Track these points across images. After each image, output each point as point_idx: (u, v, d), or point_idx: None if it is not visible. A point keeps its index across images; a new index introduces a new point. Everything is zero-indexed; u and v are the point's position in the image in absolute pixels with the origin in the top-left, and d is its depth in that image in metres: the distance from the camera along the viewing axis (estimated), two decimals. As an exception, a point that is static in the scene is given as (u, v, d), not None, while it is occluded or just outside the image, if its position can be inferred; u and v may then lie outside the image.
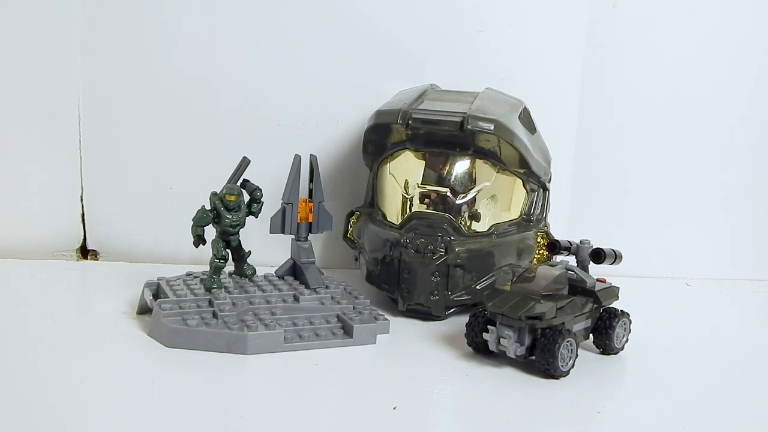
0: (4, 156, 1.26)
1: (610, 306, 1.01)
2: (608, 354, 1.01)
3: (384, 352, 0.98)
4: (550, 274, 0.95)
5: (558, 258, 1.11)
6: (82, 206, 1.30)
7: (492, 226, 1.14)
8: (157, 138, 1.29)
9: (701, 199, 1.43)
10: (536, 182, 1.19)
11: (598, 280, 1.00)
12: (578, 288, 0.98)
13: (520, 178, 1.16)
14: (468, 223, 1.12)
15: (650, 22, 1.37)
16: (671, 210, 1.43)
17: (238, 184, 1.07)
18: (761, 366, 1.02)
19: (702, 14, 1.38)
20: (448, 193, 1.12)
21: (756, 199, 1.44)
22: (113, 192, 1.30)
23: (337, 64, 1.30)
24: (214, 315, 0.97)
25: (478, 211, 1.13)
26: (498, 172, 1.14)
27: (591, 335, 1.01)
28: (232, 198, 1.03)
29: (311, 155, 1.10)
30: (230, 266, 1.08)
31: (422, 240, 1.07)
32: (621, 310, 1.01)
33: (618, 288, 1.02)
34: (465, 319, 0.99)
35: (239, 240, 1.07)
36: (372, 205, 1.21)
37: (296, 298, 1.04)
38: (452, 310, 1.10)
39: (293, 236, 1.10)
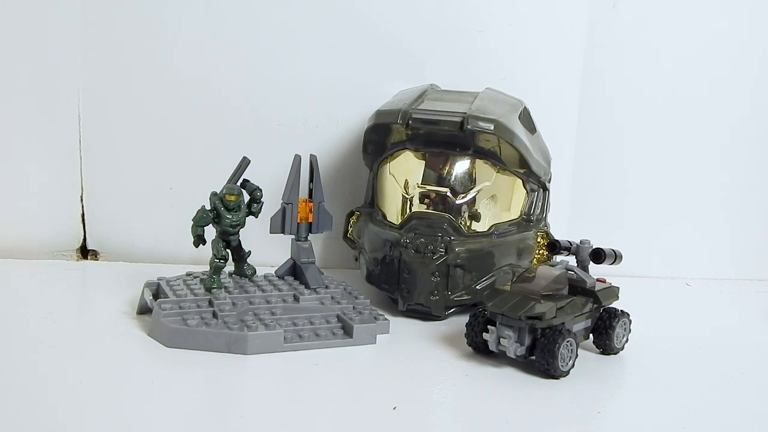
0: (4, 156, 1.26)
1: (610, 306, 1.01)
2: (608, 354, 1.01)
3: (384, 352, 0.98)
4: (550, 274, 0.95)
5: (558, 258, 1.11)
6: (82, 206, 1.30)
7: (492, 226, 1.14)
8: (157, 138, 1.29)
9: (701, 199, 1.43)
10: (536, 182, 1.19)
11: (598, 280, 1.00)
12: (578, 288, 0.98)
13: (520, 178, 1.16)
14: (468, 223, 1.12)
15: (650, 22, 1.37)
16: (671, 210, 1.43)
17: (238, 184, 1.07)
18: (761, 366, 1.02)
19: (702, 14, 1.38)
20: (448, 193, 1.12)
21: (756, 199, 1.44)
22: (113, 192, 1.30)
23: (337, 64, 1.30)
24: (214, 315, 0.97)
25: (478, 211, 1.13)
26: (498, 172, 1.14)
27: (591, 335, 1.01)
28: (232, 198, 1.03)
29: (311, 155, 1.10)
30: (230, 266, 1.08)
31: (422, 240, 1.07)
32: (621, 310, 1.01)
33: (618, 288, 1.02)
34: (465, 319, 0.99)
35: (239, 240, 1.07)
36: (372, 205, 1.21)
37: (296, 298, 1.04)
38: (452, 310, 1.10)
39: (293, 236, 1.10)
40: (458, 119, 1.11)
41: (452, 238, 1.09)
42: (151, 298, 1.03)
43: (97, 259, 1.32)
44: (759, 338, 1.13)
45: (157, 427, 0.77)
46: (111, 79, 1.27)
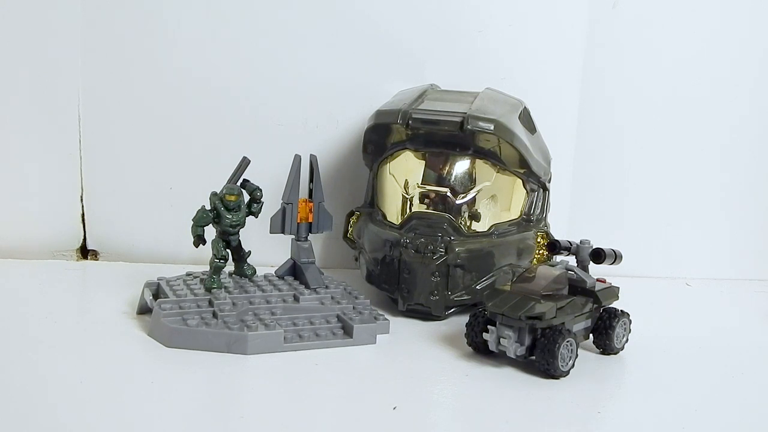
0: (4, 156, 1.26)
1: (610, 306, 1.01)
2: (608, 354, 1.01)
3: (384, 352, 0.98)
4: (550, 274, 0.95)
5: (558, 258, 1.10)
6: (82, 206, 1.30)
7: (492, 226, 1.14)
8: (157, 138, 1.29)
9: (701, 199, 1.43)
10: (536, 182, 1.19)
11: (598, 280, 1.00)
12: (578, 288, 0.98)
13: (520, 178, 1.16)
14: (468, 223, 1.12)
15: (650, 22, 1.37)
16: (671, 210, 1.43)
17: (238, 184, 1.07)
18: (761, 366, 1.02)
19: (702, 14, 1.38)
20: (448, 193, 1.12)
21: (756, 199, 1.44)
22: (113, 192, 1.30)
23: (337, 64, 1.30)
24: (214, 315, 0.97)
25: (478, 211, 1.13)
26: (498, 172, 1.14)
27: (591, 335, 1.01)
28: (232, 198, 1.03)
29: (311, 155, 1.10)
30: (230, 266, 1.08)
31: (422, 240, 1.07)
32: (621, 310, 1.01)
33: (618, 288, 1.02)
34: (465, 319, 0.99)
35: (239, 240, 1.07)
36: (372, 205, 1.21)
37: (296, 298, 1.04)
38: (452, 310, 1.10)
39: (293, 236, 1.10)
40: (458, 119, 1.11)
41: (452, 238, 1.08)
42: (151, 298, 1.03)
43: (97, 259, 1.32)
44: (759, 338, 1.13)
45: (157, 427, 0.77)
46: (111, 79, 1.27)
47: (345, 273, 1.25)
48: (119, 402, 0.81)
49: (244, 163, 1.07)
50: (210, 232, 1.05)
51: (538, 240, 1.17)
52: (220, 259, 1.04)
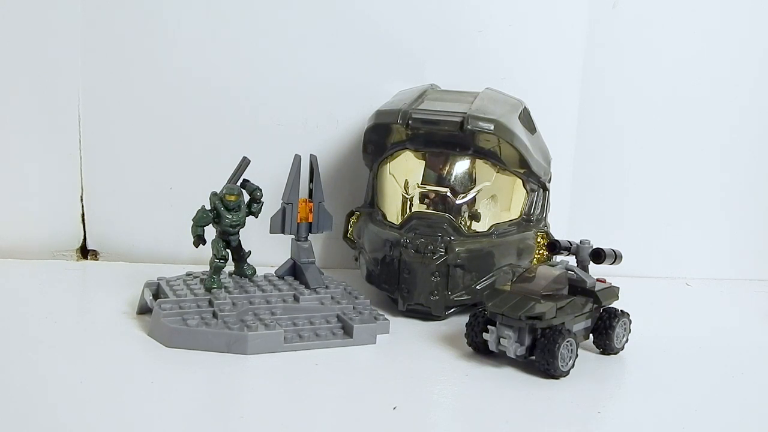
0: (4, 156, 1.26)
1: (610, 306, 1.01)
2: (608, 354, 1.01)
3: (384, 352, 0.98)
4: (550, 274, 0.95)
5: (558, 258, 1.10)
6: (82, 206, 1.30)
7: (492, 226, 1.14)
8: (157, 138, 1.29)
9: (701, 199, 1.43)
10: (536, 182, 1.19)
11: (598, 280, 1.00)
12: (578, 288, 0.98)
13: (520, 178, 1.16)
14: (468, 223, 1.12)
15: (650, 22, 1.37)
16: (671, 210, 1.43)
17: (238, 184, 1.07)
18: (761, 366, 1.02)
19: (702, 14, 1.38)
20: (448, 193, 1.12)
21: (756, 199, 1.44)
22: (113, 192, 1.30)
23: (337, 64, 1.30)
24: (214, 315, 0.97)
25: (478, 211, 1.13)
26: (498, 172, 1.14)
27: (591, 335, 1.01)
28: (232, 198, 1.03)
29: (311, 155, 1.10)
30: (230, 266, 1.08)
31: (422, 240, 1.07)
32: (621, 310, 1.01)
33: (618, 288, 1.02)
34: (465, 319, 0.99)
35: (239, 240, 1.07)
36: (372, 205, 1.21)
37: (296, 298, 1.04)
38: (452, 310, 1.10)
39: (293, 236, 1.10)
40: (458, 119, 1.11)
41: (452, 238, 1.08)
42: (151, 298, 1.03)
43: (97, 259, 1.32)
44: (759, 338, 1.13)
45: (157, 427, 0.77)
46: (111, 79, 1.27)
47: (345, 273, 1.25)
48: (119, 402, 0.81)
49: (244, 163, 1.07)
50: (210, 232, 1.05)
51: (538, 240, 1.17)
52: (220, 259, 1.04)
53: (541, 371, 0.92)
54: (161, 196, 1.30)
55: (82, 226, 1.31)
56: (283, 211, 1.08)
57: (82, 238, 1.31)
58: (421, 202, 1.13)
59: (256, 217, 1.08)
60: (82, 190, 1.30)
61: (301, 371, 0.90)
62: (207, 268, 1.06)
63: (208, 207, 1.04)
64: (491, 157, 1.13)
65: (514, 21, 1.33)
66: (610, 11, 1.36)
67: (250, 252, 1.09)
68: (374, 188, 1.21)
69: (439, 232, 1.08)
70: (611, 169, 1.41)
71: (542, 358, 0.91)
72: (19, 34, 1.23)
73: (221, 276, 1.05)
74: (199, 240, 1.04)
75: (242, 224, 1.05)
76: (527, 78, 1.33)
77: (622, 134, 1.40)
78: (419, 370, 0.93)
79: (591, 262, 1.01)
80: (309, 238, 1.10)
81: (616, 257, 1.02)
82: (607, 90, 1.38)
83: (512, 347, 0.92)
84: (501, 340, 0.93)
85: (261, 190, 1.07)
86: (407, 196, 1.14)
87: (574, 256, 1.02)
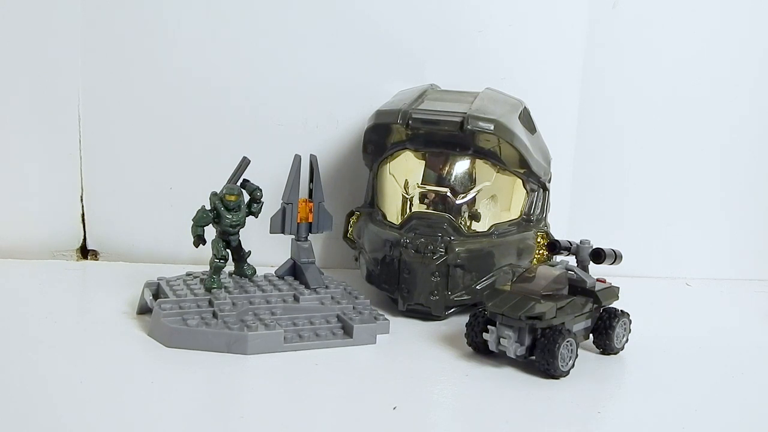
0: (4, 156, 1.26)
1: (610, 306, 1.01)
2: (608, 354, 1.01)
3: (384, 352, 0.98)
4: (550, 274, 0.95)
5: (558, 258, 1.10)
6: (82, 206, 1.30)
7: (492, 226, 1.14)
8: (157, 138, 1.29)
9: (701, 199, 1.43)
10: (536, 182, 1.19)
11: (598, 280, 1.00)
12: (578, 288, 0.98)
13: (520, 178, 1.16)
14: (468, 223, 1.12)
15: (650, 22, 1.37)
16: (671, 210, 1.43)
17: (238, 184, 1.07)
18: (761, 366, 1.02)
19: (702, 14, 1.38)
20: (448, 193, 1.12)
21: (756, 199, 1.44)
22: (113, 192, 1.30)
23: (337, 64, 1.30)
24: (214, 315, 0.97)
25: (478, 211, 1.13)
26: (498, 172, 1.14)
27: (591, 335, 1.01)
28: (232, 198, 1.03)
29: (311, 155, 1.10)
30: (230, 266, 1.08)
31: (422, 240, 1.07)
32: (621, 310, 1.01)
33: (618, 288, 1.02)
34: (465, 319, 0.99)
35: (239, 240, 1.07)
36: (372, 205, 1.21)
37: (296, 298, 1.04)
38: (452, 310, 1.10)
39: (293, 236, 1.10)
40: (458, 119, 1.11)
41: (452, 238, 1.08)
42: (151, 298, 1.03)
43: (97, 259, 1.32)
44: (759, 338, 1.13)
45: (157, 427, 0.77)
46: (111, 79, 1.27)
47: (345, 273, 1.25)
48: (119, 402, 0.81)
49: (244, 163, 1.07)
50: (210, 232, 1.05)
51: (538, 240, 1.17)
52: (220, 259, 1.04)
53: (541, 371, 0.92)
54: (161, 196, 1.30)
55: (82, 226, 1.31)
56: (283, 211, 1.08)
57: (82, 238, 1.31)
58: (421, 202, 1.13)
59: (256, 217, 1.08)
60: (82, 190, 1.30)
61: (301, 371, 0.90)
62: (207, 268, 1.06)
63: (208, 207, 1.04)
64: (491, 157, 1.13)
65: (514, 21, 1.33)
66: (610, 11, 1.36)
67: (250, 252, 1.09)
68: (374, 188, 1.21)
69: (439, 232, 1.08)
70: (611, 169, 1.41)
71: (542, 358, 0.91)
72: (19, 34, 1.23)
73: (221, 276, 1.05)
74: (199, 240, 1.04)
75: (242, 224, 1.05)
76: (527, 78, 1.33)
77: (622, 134, 1.40)
78: (419, 370, 0.93)
79: (591, 262, 1.01)
80: (309, 238, 1.10)
81: (616, 257, 1.02)
82: (607, 90, 1.38)
83: (512, 347, 0.92)
84: (501, 340, 0.93)
85: (261, 190, 1.07)
86: (407, 196, 1.14)
87: (574, 256, 1.02)
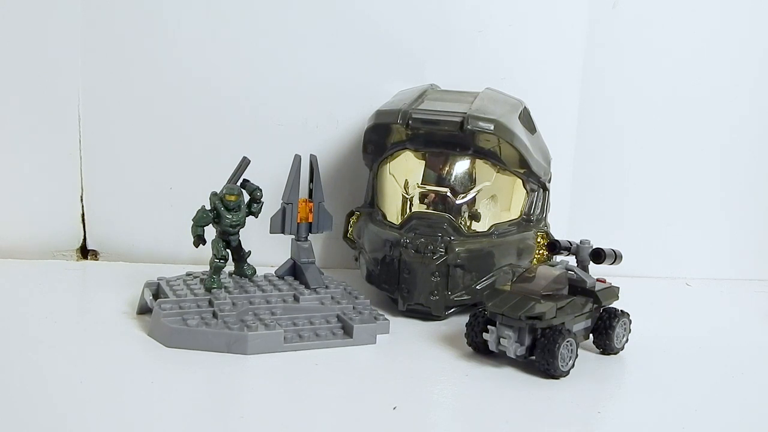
0: (4, 156, 1.26)
1: (610, 306, 1.01)
2: (608, 354, 1.01)
3: (384, 352, 0.98)
4: (550, 274, 0.95)
5: (558, 258, 1.10)
6: (82, 206, 1.30)
7: (492, 226, 1.14)
8: (157, 138, 1.29)
9: (701, 199, 1.43)
10: (536, 182, 1.19)
11: (598, 280, 1.00)
12: (578, 288, 0.98)
13: (520, 178, 1.16)
14: (468, 223, 1.12)
15: (650, 22, 1.37)
16: (671, 210, 1.43)
17: (238, 184, 1.07)
18: (761, 366, 1.02)
19: (702, 14, 1.38)
20: (448, 193, 1.12)
21: (756, 199, 1.44)
22: (113, 192, 1.30)
23: (337, 64, 1.30)
24: (214, 315, 0.97)
25: (478, 211, 1.13)
26: (498, 172, 1.14)
27: (591, 335, 1.01)
28: (232, 198, 1.03)
29: (311, 155, 1.10)
30: (230, 266, 1.08)
31: (422, 240, 1.07)
32: (621, 310, 1.01)
33: (618, 288, 1.02)
34: (465, 319, 0.99)
35: (239, 240, 1.07)
36: (372, 205, 1.21)
37: (296, 298, 1.04)
38: (452, 310, 1.10)
39: (293, 236, 1.10)
40: (458, 119, 1.11)
41: (452, 238, 1.08)
42: (151, 298, 1.03)
43: (97, 259, 1.32)
44: (759, 338, 1.13)
45: (157, 427, 0.77)
46: (111, 79, 1.27)
47: (345, 273, 1.25)
48: (119, 402, 0.81)
49: (244, 163, 1.07)
50: (210, 232, 1.05)
51: (538, 240, 1.17)
52: (220, 259, 1.04)
53: (541, 371, 0.92)
54: (161, 196, 1.30)
55: (82, 226, 1.31)
56: (283, 211, 1.08)
57: (82, 238, 1.31)
58: (421, 202, 1.13)
59: (256, 217, 1.08)
60: (82, 190, 1.30)
61: (301, 371, 0.90)
62: (207, 268, 1.06)
63: (208, 207, 1.04)
64: (491, 157, 1.13)
65: (514, 21, 1.33)
66: (610, 11, 1.36)
67: (250, 252, 1.09)
68: (374, 188, 1.21)
69: (439, 232, 1.08)
70: (611, 169, 1.41)
71: (542, 358, 0.91)
72: (19, 34, 1.23)
73: (221, 276, 1.05)
74: (199, 240, 1.04)
75: (242, 224, 1.06)
76: (527, 78, 1.33)
77: (622, 134, 1.40)
78: (419, 370, 0.93)
79: (591, 262, 1.01)
80: (309, 238, 1.10)
81: (616, 257, 1.02)
82: (607, 90, 1.38)
83: (512, 347, 0.92)
84: (501, 340, 0.93)
85: (261, 190, 1.07)
86: (407, 196, 1.14)
87: (574, 256, 1.02)
